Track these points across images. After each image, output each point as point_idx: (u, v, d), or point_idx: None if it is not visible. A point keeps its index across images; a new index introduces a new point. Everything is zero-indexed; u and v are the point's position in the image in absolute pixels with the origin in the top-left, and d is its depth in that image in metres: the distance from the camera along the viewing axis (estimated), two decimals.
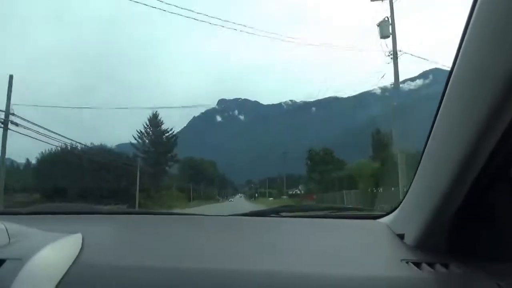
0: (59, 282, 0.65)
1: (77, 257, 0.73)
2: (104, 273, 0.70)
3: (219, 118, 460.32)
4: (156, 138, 44.94)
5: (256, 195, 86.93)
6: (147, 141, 44.73)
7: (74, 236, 0.81)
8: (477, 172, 0.64)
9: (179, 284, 0.68)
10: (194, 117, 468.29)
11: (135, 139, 44.64)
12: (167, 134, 46.70)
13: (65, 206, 1.62)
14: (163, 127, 46.53)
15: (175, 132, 47.09)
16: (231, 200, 74.87)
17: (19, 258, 0.65)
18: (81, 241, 0.80)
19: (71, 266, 0.69)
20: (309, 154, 41.67)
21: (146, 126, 44.91)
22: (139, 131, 44.76)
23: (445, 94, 0.65)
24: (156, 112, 46.02)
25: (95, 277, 0.69)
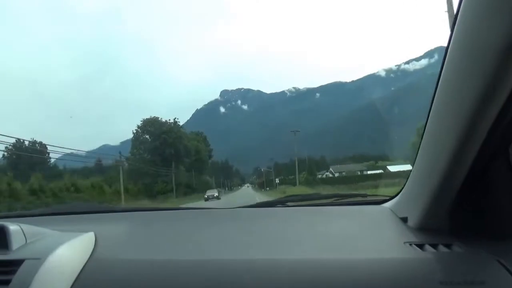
0: (76, 278, 0.68)
1: (91, 254, 0.77)
2: (118, 268, 0.72)
3: (222, 109, 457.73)
4: None
5: (277, 181, 53.71)
6: None
7: (87, 234, 0.84)
8: (476, 153, 0.65)
9: (190, 275, 0.69)
10: (197, 109, 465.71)
11: None
12: None
13: (76, 206, 1.66)
14: None
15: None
16: (209, 197, 31.62)
17: (38, 257, 0.67)
18: (94, 239, 0.84)
19: (86, 262, 0.73)
20: None
21: None
22: None
23: (442, 74, 0.65)
24: None
25: (110, 271, 0.71)
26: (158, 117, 41.77)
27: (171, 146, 38.68)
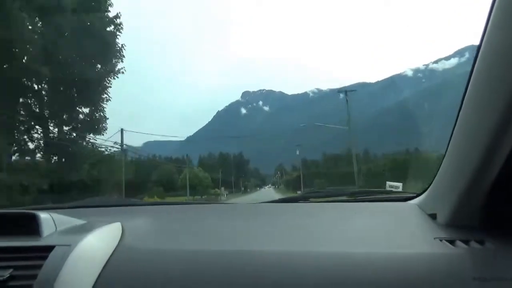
0: (105, 265, 0.71)
1: (119, 243, 0.79)
2: (144, 256, 0.75)
3: (243, 111, 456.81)
4: None
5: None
6: None
7: (115, 224, 0.87)
8: (510, 148, 0.63)
9: (213, 265, 0.71)
10: (218, 111, 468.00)
11: None
12: None
13: (103, 199, 1.72)
14: None
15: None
16: None
17: (68, 244, 0.70)
18: (121, 229, 0.86)
19: (114, 250, 0.75)
20: None
21: None
22: None
23: (474, 71, 0.65)
24: None
25: (137, 260, 0.74)
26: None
27: None
